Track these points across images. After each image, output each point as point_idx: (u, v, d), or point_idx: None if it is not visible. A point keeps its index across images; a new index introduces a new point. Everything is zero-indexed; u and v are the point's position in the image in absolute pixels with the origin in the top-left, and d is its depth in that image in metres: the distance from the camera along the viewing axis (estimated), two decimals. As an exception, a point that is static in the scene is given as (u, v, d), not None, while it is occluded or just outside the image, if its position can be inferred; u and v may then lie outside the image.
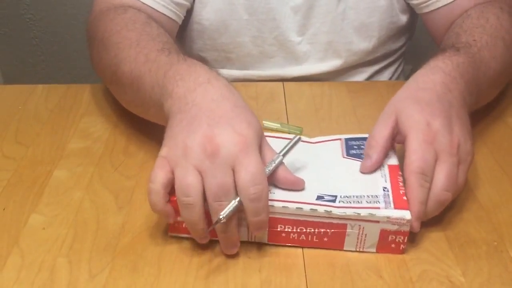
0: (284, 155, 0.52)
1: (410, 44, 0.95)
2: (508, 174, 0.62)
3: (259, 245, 0.52)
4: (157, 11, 0.75)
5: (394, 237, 0.50)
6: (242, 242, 0.51)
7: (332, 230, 0.50)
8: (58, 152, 0.66)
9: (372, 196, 0.51)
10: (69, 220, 0.55)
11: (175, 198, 0.48)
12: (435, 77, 0.57)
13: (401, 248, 0.51)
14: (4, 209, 0.57)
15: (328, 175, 0.55)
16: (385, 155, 0.55)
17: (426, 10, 0.79)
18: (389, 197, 0.51)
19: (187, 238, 0.52)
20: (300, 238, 0.51)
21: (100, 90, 0.78)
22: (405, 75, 0.98)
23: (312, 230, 0.51)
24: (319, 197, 0.51)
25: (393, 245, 0.51)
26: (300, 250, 0.52)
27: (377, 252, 0.51)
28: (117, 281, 0.48)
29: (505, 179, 0.61)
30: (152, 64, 0.58)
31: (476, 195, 0.58)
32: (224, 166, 0.46)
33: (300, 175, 0.53)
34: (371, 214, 0.49)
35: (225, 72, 0.87)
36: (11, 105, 0.76)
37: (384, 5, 0.82)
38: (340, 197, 0.51)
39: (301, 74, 0.86)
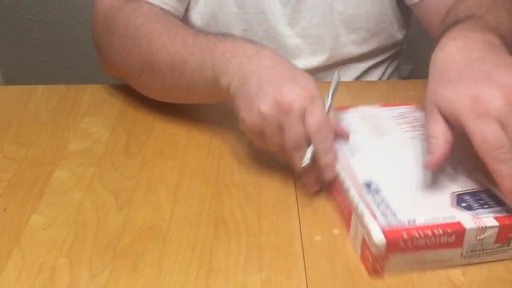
0: (332, 96, 0.57)
1: (410, 44, 0.95)
2: (508, 174, 0.61)
3: (260, 245, 0.52)
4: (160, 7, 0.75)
5: (369, 253, 0.48)
6: (242, 241, 0.52)
7: (348, 207, 0.52)
8: (58, 152, 0.66)
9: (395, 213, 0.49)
10: (69, 220, 0.55)
11: None
12: (448, 50, 0.53)
13: (370, 269, 0.48)
14: (4, 209, 0.57)
15: (408, 174, 0.54)
16: (449, 149, 0.50)
17: (416, 0, 0.78)
18: (402, 223, 0.48)
19: (187, 237, 0.53)
20: (338, 198, 0.55)
21: (100, 90, 0.78)
22: (403, 75, 0.98)
23: (341, 196, 0.54)
24: (367, 184, 0.53)
25: (368, 262, 0.48)
26: (300, 249, 0.52)
27: (360, 258, 0.50)
28: (117, 281, 0.48)
29: (505, 179, 0.61)
30: (194, 47, 0.62)
31: (476, 194, 0.58)
32: (297, 119, 0.53)
33: (398, 163, 0.56)
34: (361, 212, 0.49)
35: None
36: (12, 106, 0.76)
37: None
38: (380, 196, 0.51)
39: None
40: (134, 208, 0.57)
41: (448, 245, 0.48)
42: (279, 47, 0.85)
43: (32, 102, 0.76)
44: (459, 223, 0.47)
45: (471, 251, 0.49)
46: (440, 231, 0.47)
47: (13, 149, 0.66)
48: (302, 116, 0.53)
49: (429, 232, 0.47)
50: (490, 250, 0.49)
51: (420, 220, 0.48)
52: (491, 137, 0.46)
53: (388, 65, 0.92)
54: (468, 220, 0.48)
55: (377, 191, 0.52)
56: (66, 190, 0.59)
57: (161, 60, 0.65)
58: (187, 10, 0.83)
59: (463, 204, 0.50)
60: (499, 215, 0.48)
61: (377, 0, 0.82)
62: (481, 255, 0.49)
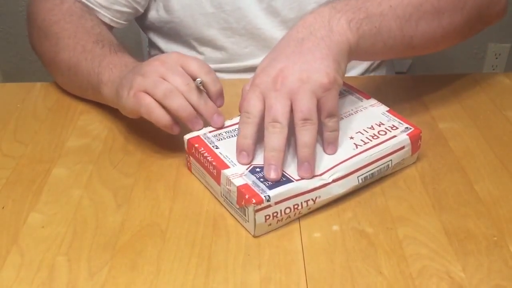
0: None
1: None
2: (508, 169, 0.61)
3: (259, 242, 0.52)
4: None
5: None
6: (241, 239, 0.52)
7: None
8: (57, 150, 0.65)
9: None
10: (68, 218, 0.55)
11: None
12: (297, 24, 0.59)
13: (186, 164, 0.61)
14: (3, 207, 0.57)
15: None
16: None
17: None
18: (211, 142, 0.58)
19: (186, 234, 0.53)
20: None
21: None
22: (400, 68, 0.97)
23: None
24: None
25: (186, 158, 0.61)
26: (300, 246, 0.52)
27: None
28: (116, 279, 0.48)
29: (505, 174, 0.61)
30: (88, 54, 0.70)
31: (476, 189, 0.58)
32: (176, 65, 0.59)
33: None
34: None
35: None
36: (10, 103, 0.76)
37: None
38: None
39: None
40: (133, 205, 0.57)
41: (213, 176, 0.56)
42: (260, 42, 0.84)
43: (30, 100, 0.76)
44: (224, 164, 0.55)
45: (225, 196, 0.55)
46: (210, 159, 0.56)
47: (11, 147, 0.66)
48: (180, 66, 0.59)
49: (204, 152, 0.57)
50: (236, 208, 0.53)
51: (218, 150, 0.57)
52: (246, 101, 0.56)
53: None
54: (233, 171, 0.54)
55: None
56: (65, 187, 0.59)
57: (62, 59, 0.72)
58: (166, 15, 0.83)
59: (257, 169, 0.55)
60: (251, 186, 0.52)
61: None
62: (231, 207, 0.54)
